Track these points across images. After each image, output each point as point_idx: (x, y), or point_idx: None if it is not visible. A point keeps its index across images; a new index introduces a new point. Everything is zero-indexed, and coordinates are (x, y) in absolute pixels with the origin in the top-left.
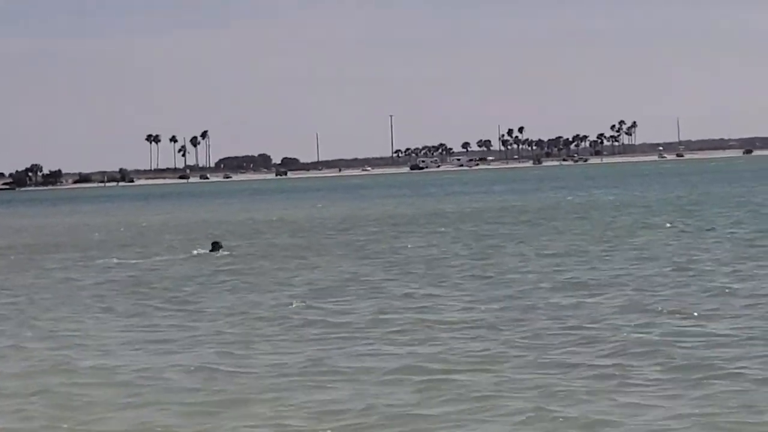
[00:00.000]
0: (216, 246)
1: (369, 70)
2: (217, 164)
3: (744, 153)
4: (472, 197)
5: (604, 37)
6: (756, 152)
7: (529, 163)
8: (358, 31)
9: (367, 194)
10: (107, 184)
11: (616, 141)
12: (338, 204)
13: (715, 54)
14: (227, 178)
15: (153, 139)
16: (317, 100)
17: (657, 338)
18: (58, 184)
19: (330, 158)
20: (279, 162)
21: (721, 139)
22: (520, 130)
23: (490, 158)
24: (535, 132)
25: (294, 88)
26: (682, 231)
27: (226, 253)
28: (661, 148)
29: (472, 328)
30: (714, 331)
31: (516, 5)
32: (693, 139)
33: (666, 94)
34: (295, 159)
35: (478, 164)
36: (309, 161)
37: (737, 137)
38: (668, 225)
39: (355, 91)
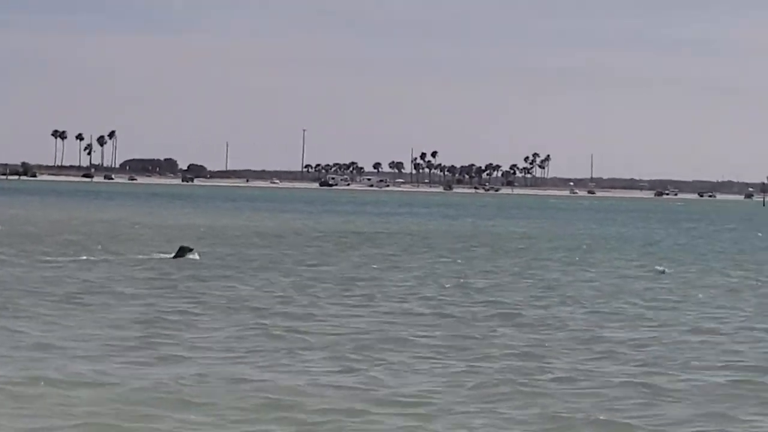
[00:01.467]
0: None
1: (284, 83)
2: (123, 165)
3: (655, 195)
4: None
5: (527, 69)
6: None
7: (440, 188)
8: (276, 43)
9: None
10: (9, 177)
11: (529, 173)
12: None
13: (633, 95)
14: (132, 180)
15: (59, 135)
16: (229, 109)
17: None
18: None
19: (238, 168)
20: (185, 168)
21: (632, 179)
22: (434, 154)
23: (400, 180)
24: (449, 158)
25: (206, 97)
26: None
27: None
28: (572, 183)
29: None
30: None
31: (444, 34)
32: (604, 177)
33: (580, 130)
34: (201, 166)
35: (388, 185)
36: (216, 170)
37: (648, 178)
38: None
39: (268, 104)
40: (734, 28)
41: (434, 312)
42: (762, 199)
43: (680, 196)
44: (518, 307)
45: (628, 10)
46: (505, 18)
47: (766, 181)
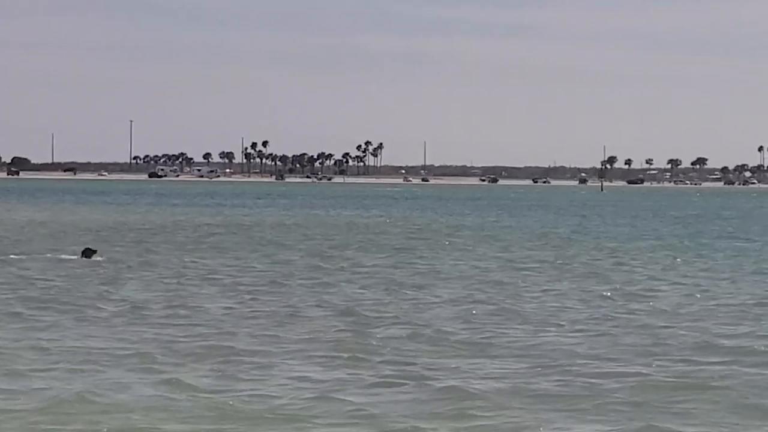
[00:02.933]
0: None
1: (110, 74)
2: None
3: (489, 182)
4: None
5: (359, 57)
6: (501, 182)
7: (272, 178)
8: (101, 33)
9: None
10: None
11: (361, 161)
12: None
13: (461, 80)
14: None
15: None
16: (54, 100)
17: None
18: None
19: (64, 160)
20: (9, 161)
21: (464, 166)
22: (265, 144)
23: (229, 170)
24: (280, 147)
25: (30, 87)
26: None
27: None
28: (403, 171)
29: None
30: None
31: (274, 21)
32: (436, 164)
33: (413, 117)
34: (26, 159)
35: (218, 176)
36: (41, 162)
37: (480, 165)
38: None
39: (95, 94)
40: (563, 13)
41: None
42: (599, 185)
43: (514, 182)
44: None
45: None
46: (331, 2)
47: (599, 166)
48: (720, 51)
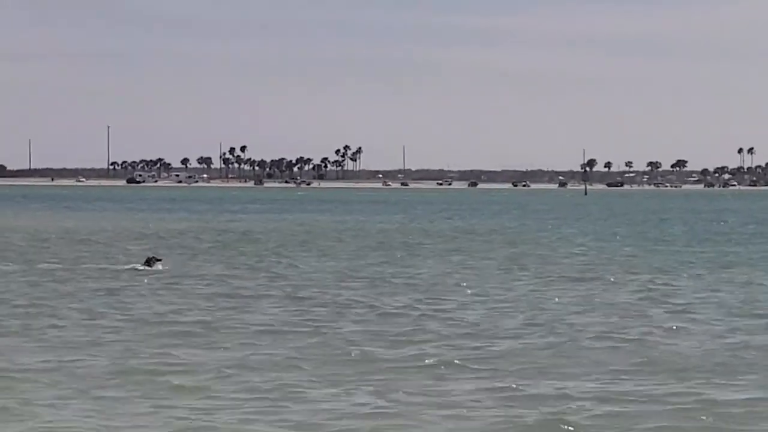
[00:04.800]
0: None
1: (87, 80)
2: None
3: (469, 185)
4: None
5: (335, 63)
6: (481, 185)
7: (251, 183)
8: (78, 40)
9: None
10: None
11: (340, 166)
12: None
13: (438, 85)
14: None
15: None
16: (31, 107)
17: None
18: None
19: (41, 167)
20: None
21: (441, 170)
22: (243, 149)
23: (206, 176)
24: (258, 152)
25: (6, 94)
26: None
27: None
28: (380, 175)
29: None
30: None
31: (251, 28)
32: (413, 168)
33: (391, 122)
34: (2, 166)
35: (197, 181)
36: (16, 168)
37: (457, 169)
38: None
39: (72, 100)
40: (535, 18)
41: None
42: (579, 188)
43: (493, 185)
44: None
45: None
46: (308, 10)
47: (576, 170)
48: (698, 54)
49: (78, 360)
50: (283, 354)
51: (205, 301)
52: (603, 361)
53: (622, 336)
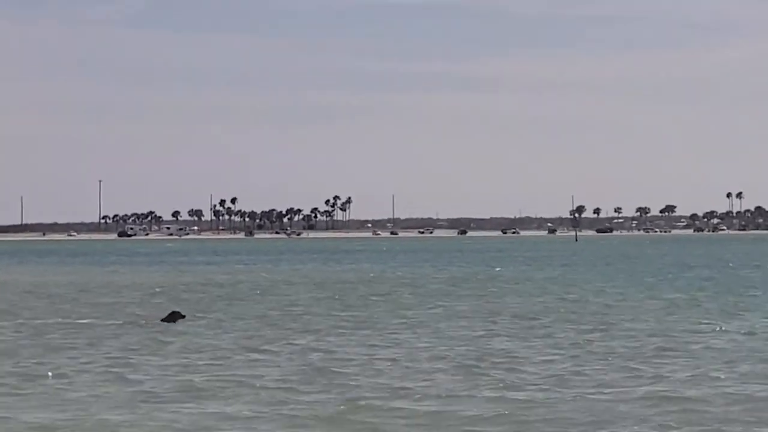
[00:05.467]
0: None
1: (78, 134)
2: None
3: (459, 233)
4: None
5: (322, 112)
6: (470, 233)
7: (242, 235)
8: (67, 93)
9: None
10: None
11: (330, 216)
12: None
13: (431, 132)
14: None
15: None
16: (22, 162)
17: None
18: None
19: (33, 221)
20: None
21: (430, 218)
22: (233, 200)
23: (195, 228)
24: (248, 203)
25: None
26: None
27: None
28: (369, 225)
29: None
30: None
31: (237, 80)
32: (402, 216)
33: (379, 170)
34: None
35: (188, 234)
36: (9, 224)
37: (445, 216)
38: None
39: (63, 155)
40: (518, 64)
41: None
42: (569, 235)
43: (483, 233)
44: None
45: (387, 48)
46: (291, 60)
47: (566, 216)
48: (685, 99)
49: None
50: None
51: None
52: None
53: None
